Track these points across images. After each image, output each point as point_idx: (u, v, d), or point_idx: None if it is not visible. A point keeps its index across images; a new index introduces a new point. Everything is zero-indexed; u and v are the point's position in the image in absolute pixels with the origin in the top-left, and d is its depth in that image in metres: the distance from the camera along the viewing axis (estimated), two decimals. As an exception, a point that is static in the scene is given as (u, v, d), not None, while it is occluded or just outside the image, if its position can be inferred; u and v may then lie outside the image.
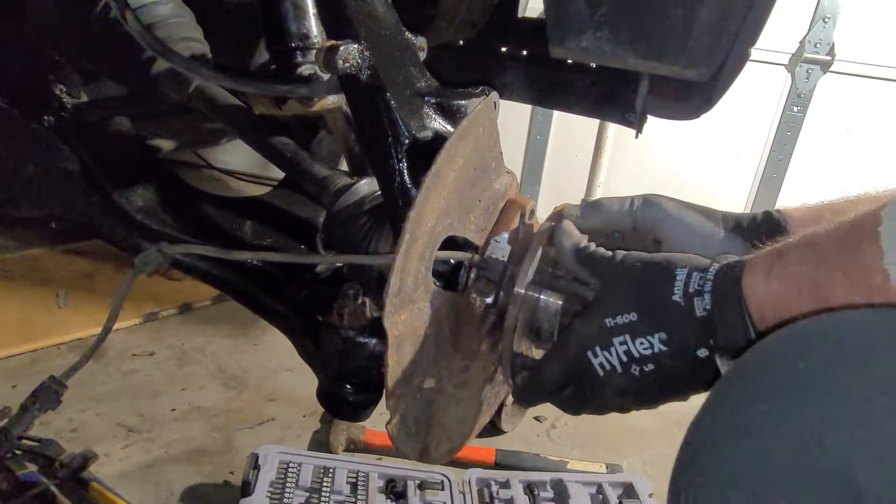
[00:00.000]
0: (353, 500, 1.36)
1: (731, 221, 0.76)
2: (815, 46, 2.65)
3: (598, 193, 2.58)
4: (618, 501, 1.44)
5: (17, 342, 1.88)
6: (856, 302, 0.46)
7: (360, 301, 0.75)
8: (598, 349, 0.63)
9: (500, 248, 0.77)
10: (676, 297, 0.59)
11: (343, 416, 0.79)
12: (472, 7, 1.82)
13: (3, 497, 1.28)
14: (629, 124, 1.66)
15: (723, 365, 0.58)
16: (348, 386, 0.75)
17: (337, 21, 0.76)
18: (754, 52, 2.92)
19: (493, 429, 1.73)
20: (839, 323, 0.45)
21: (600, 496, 1.46)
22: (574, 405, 0.69)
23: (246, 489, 1.27)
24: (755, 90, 2.79)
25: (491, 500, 1.41)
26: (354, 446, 1.62)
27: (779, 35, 2.66)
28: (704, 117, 1.59)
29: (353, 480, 1.40)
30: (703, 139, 2.89)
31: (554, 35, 1.57)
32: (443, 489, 1.42)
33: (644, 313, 0.61)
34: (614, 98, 1.79)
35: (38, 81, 1.01)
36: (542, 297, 0.75)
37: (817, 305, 0.49)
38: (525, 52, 1.92)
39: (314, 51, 0.92)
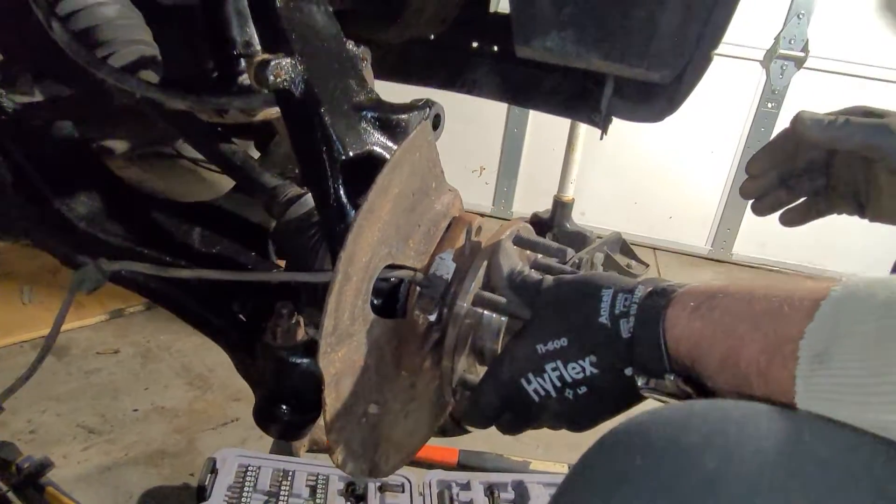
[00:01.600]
0: (312, 503, 1.36)
1: None
2: (790, 42, 2.66)
3: (571, 189, 2.57)
4: (577, 503, 1.45)
5: (-23, 340, 1.86)
6: (759, 362, 0.46)
7: (293, 320, 0.73)
8: (531, 376, 0.63)
9: (445, 266, 0.76)
10: (603, 319, 0.60)
11: (278, 435, 0.79)
12: (442, 1, 1.80)
13: (-46, 503, 1.27)
14: (595, 125, 1.66)
15: (641, 382, 0.58)
16: (283, 406, 0.74)
17: (271, 33, 0.75)
18: (729, 48, 2.92)
19: (457, 428, 1.73)
20: (686, 416, 0.43)
21: (560, 497, 1.47)
22: (512, 429, 0.70)
23: (201, 494, 1.27)
24: (730, 86, 2.79)
25: (451, 503, 1.42)
26: (317, 447, 1.62)
27: (753, 31, 2.66)
28: (679, 112, 1.58)
29: (313, 483, 1.40)
30: (678, 134, 2.89)
31: (519, 35, 1.56)
32: (403, 491, 1.42)
33: (573, 338, 0.61)
34: (583, 98, 1.78)
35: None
36: (484, 314, 0.74)
37: (724, 353, 0.49)
38: (495, 48, 1.91)
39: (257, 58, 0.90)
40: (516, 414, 0.67)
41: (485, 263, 0.75)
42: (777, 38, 2.67)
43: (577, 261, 2.48)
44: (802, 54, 2.64)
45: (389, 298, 0.76)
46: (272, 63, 0.70)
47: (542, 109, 1.88)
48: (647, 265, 2.70)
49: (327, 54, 0.77)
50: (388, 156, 0.78)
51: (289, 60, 0.72)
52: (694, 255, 3.20)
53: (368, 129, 0.77)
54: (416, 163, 0.71)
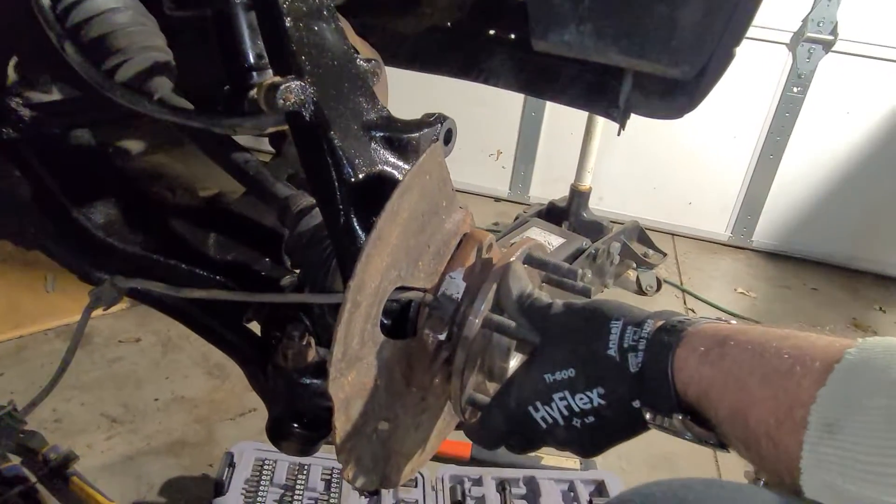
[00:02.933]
0: (327, 497, 1.39)
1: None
2: (818, 25, 2.57)
3: (589, 178, 2.54)
4: (588, 499, 1.47)
5: (3, 328, 1.91)
6: (768, 423, 0.45)
7: (304, 342, 0.74)
8: (538, 404, 0.64)
9: (455, 285, 0.76)
10: (611, 352, 0.60)
11: (291, 452, 0.80)
12: (460, -12, 1.78)
13: (-14, 493, 1.32)
14: (613, 119, 1.63)
15: (648, 416, 0.59)
16: (295, 424, 0.75)
17: (280, 53, 0.74)
18: (754, 30, 2.86)
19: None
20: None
21: (572, 493, 1.49)
22: (520, 450, 0.71)
23: (219, 489, 1.30)
24: (754, 69, 2.72)
25: (463, 498, 1.44)
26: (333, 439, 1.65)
27: (780, 13, 2.58)
28: (701, 97, 1.55)
29: (328, 477, 1.43)
30: (699, 119, 2.83)
31: (536, 28, 1.53)
32: (416, 486, 1.45)
33: (581, 369, 0.62)
34: (601, 91, 1.75)
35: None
36: (494, 335, 0.75)
37: (734, 406, 0.49)
38: (512, 37, 1.87)
39: (269, 71, 0.90)
40: (523, 438, 0.68)
41: (495, 285, 0.75)
42: (805, 21, 2.59)
43: (593, 251, 2.45)
44: (831, 37, 2.56)
45: (399, 318, 0.76)
46: (281, 87, 0.70)
47: (558, 101, 1.85)
48: (665, 254, 2.68)
49: (337, 74, 0.76)
50: (398, 175, 0.77)
51: (298, 83, 0.71)
52: (713, 242, 3.16)
53: (379, 149, 0.77)
54: (427, 185, 0.71)
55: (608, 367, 0.60)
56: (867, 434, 0.39)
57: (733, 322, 0.58)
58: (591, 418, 0.62)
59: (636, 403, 0.59)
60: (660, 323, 0.59)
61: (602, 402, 0.60)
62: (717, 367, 0.52)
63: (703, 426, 0.55)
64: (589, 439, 0.63)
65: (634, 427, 0.61)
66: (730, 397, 0.50)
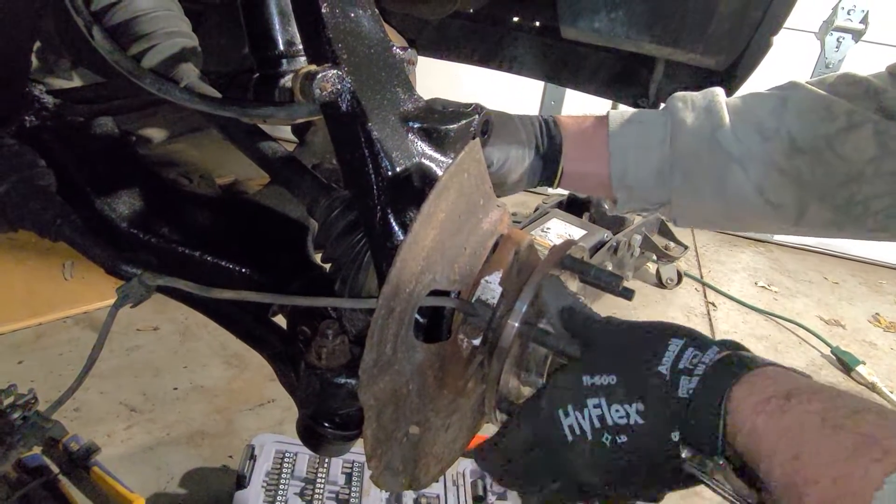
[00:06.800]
0: (348, 490, 1.37)
1: (533, 142, 0.94)
2: (848, 14, 2.51)
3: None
4: (612, 497, 1.45)
5: (22, 316, 1.90)
6: None
7: (338, 340, 0.72)
8: (570, 408, 0.58)
9: (491, 290, 0.73)
10: (663, 369, 0.54)
11: (323, 452, 0.78)
12: (482, -26, 1.74)
13: (9, 483, 1.31)
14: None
15: (685, 453, 0.53)
16: (327, 424, 0.73)
17: (316, 41, 0.71)
18: (782, 19, 2.75)
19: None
20: None
21: (595, 490, 1.47)
22: (540, 471, 0.63)
23: (241, 482, 1.29)
24: (781, 58, 2.65)
25: (485, 493, 1.42)
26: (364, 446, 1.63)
27: (809, 0, 2.51)
28: (726, 87, 1.51)
29: (349, 471, 1.42)
30: (724, 109, 2.78)
31: (565, 14, 1.49)
32: (437, 481, 1.43)
33: (624, 378, 0.56)
34: (630, 79, 1.71)
35: (13, 84, 0.97)
36: (531, 344, 0.72)
37: (785, 478, 0.44)
38: (537, 24, 1.83)
39: (300, 58, 0.87)
40: (545, 452, 0.61)
41: (533, 293, 0.71)
42: (835, 9, 2.52)
43: (614, 244, 2.40)
44: (861, 26, 2.50)
45: (433, 321, 0.73)
46: (318, 76, 0.67)
47: (584, 89, 1.82)
48: (686, 247, 2.63)
49: (374, 63, 0.73)
50: (436, 169, 0.75)
51: (335, 72, 0.68)
52: (733, 234, 3.11)
53: (416, 140, 0.74)
54: (464, 184, 0.68)
55: (655, 384, 0.54)
56: None
57: (804, 376, 0.51)
58: (623, 438, 0.55)
59: (675, 435, 0.52)
60: (725, 353, 0.54)
61: (640, 420, 0.54)
62: (773, 422, 0.46)
63: (743, 478, 0.50)
64: (615, 466, 0.56)
65: (667, 469, 0.54)
66: (782, 465, 0.45)
